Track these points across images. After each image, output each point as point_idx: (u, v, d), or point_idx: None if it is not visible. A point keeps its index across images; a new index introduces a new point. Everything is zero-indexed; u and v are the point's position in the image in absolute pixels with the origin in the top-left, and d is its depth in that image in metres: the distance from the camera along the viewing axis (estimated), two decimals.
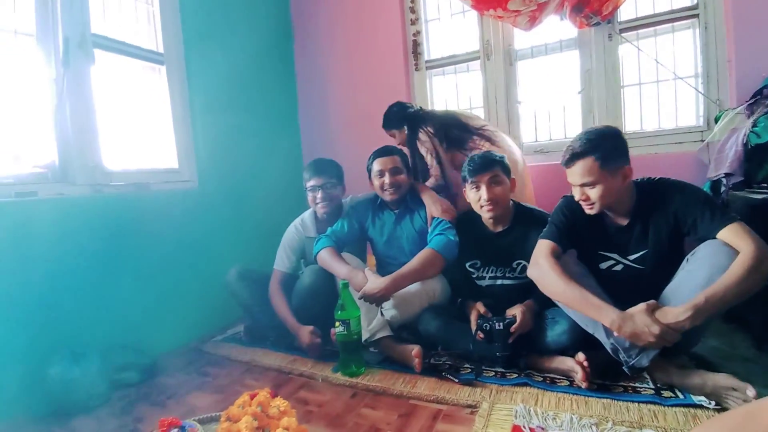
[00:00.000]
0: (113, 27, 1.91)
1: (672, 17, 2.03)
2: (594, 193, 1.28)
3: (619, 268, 1.39)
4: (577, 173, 1.29)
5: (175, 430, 1.13)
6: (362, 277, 1.61)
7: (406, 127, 2.08)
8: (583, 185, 1.30)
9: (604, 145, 1.26)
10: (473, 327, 1.48)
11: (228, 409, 1.11)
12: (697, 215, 1.22)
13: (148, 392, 1.55)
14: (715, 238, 1.17)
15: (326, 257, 1.73)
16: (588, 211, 1.34)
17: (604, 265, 1.40)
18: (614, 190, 1.28)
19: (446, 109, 2.37)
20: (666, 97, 2.10)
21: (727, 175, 1.60)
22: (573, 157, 1.29)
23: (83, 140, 1.74)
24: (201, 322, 1.87)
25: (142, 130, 2.03)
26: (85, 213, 1.66)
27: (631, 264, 1.37)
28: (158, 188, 1.96)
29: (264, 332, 1.97)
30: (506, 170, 1.59)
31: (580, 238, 1.39)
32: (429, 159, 2.00)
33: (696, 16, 1.97)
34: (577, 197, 1.34)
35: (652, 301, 1.16)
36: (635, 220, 1.34)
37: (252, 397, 1.14)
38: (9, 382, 1.40)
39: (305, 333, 1.69)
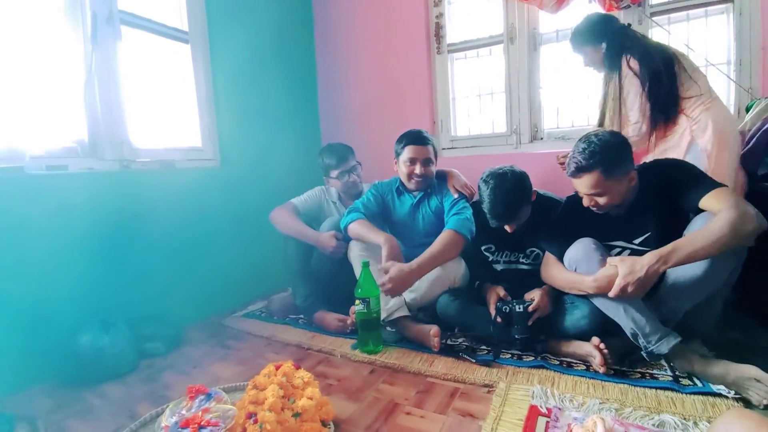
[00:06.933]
0: (140, 4, 1.91)
1: (706, 1, 1.96)
2: (602, 200, 1.32)
3: (627, 253, 1.40)
4: (584, 185, 1.32)
5: (202, 396, 1.17)
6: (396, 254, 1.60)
7: (604, 45, 1.72)
8: (590, 194, 1.33)
9: (609, 158, 1.26)
10: (492, 310, 1.50)
11: (254, 378, 1.15)
12: (686, 187, 1.25)
13: (174, 362, 1.61)
14: (698, 205, 1.20)
15: (360, 228, 1.70)
16: (597, 211, 1.37)
17: (613, 252, 1.41)
18: (622, 194, 1.32)
19: (660, 43, 1.74)
20: None
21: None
22: (578, 170, 1.31)
23: (111, 117, 1.77)
24: (223, 297, 1.93)
25: (168, 109, 2.06)
26: (113, 187, 1.71)
27: (637, 248, 1.38)
28: (182, 166, 2.00)
29: (289, 311, 2.02)
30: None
31: (584, 234, 1.40)
32: (631, 100, 1.65)
33: (731, 0, 1.89)
34: (585, 203, 1.37)
35: (616, 258, 1.26)
36: (634, 205, 1.37)
37: (277, 368, 1.18)
38: (42, 349, 1.45)
39: (327, 237, 1.77)
